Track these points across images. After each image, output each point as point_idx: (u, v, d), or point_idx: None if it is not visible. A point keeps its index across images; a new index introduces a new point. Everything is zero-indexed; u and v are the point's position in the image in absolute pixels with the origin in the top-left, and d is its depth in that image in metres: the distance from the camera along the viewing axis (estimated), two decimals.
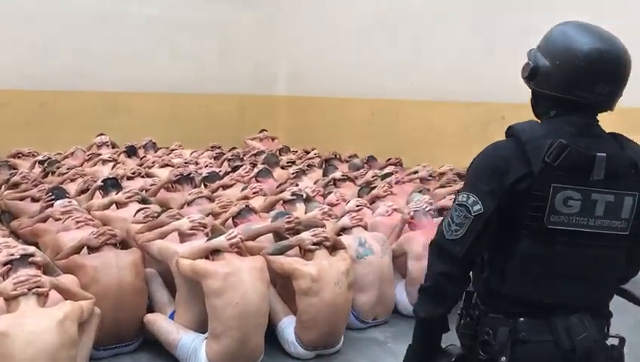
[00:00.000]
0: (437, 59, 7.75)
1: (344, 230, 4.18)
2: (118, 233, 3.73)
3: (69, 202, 4.43)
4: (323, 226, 4.26)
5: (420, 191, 5.70)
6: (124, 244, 3.81)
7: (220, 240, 3.39)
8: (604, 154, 1.52)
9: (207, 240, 3.51)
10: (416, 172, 6.85)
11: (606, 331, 1.67)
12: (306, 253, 3.64)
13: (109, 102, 9.45)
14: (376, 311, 4.05)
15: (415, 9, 8.09)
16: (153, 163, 7.22)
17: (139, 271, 3.64)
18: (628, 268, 1.72)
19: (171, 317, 3.64)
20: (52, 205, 4.51)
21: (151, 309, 3.80)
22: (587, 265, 1.59)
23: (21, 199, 5.34)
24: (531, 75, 1.65)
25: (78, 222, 3.98)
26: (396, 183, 6.09)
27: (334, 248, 3.74)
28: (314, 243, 3.60)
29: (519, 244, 1.56)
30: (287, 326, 3.61)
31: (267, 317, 3.43)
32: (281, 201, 5.08)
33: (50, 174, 6.49)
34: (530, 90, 1.73)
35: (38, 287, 2.84)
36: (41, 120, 8.85)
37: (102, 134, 8.38)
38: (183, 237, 3.80)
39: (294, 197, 4.98)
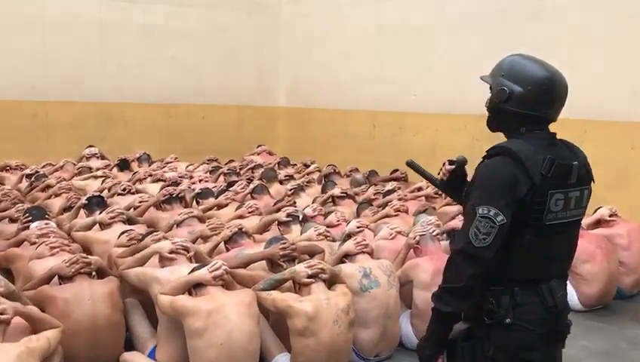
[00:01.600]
0: (443, 70, 7.44)
1: (347, 256, 3.80)
2: (93, 261, 3.40)
3: (47, 224, 4.09)
4: (322, 252, 3.93)
5: (425, 211, 5.37)
6: (100, 273, 3.48)
7: (202, 273, 3.05)
8: (577, 163, 2.01)
9: (191, 271, 3.16)
10: (420, 188, 6.52)
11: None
12: (300, 287, 3.27)
13: (104, 113, 9.19)
14: (379, 348, 3.67)
15: (419, 19, 7.79)
16: (145, 177, 6.89)
17: (115, 303, 3.31)
18: None
19: (152, 353, 3.30)
20: (29, 227, 4.18)
21: (131, 344, 3.47)
22: (563, 246, 2.07)
23: None
24: (507, 99, 2.03)
25: (52, 247, 3.63)
26: (399, 200, 5.73)
27: (332, 281, 3.39)
28: (309, 276, 3.23)
29: (523, 240, 1.95)
30: None
31: (257, 358, 3.08)
32: (277, 222, 4.74)
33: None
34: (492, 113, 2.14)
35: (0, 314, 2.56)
36: (33, 131, 8.59)
37: (91, 146, 8.12)
38: (164, 261, 3.48)
39: (290, 218, 4.63)
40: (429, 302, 3.82)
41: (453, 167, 2.33)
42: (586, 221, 4.89)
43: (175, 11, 9.60)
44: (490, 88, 2.11)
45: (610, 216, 5.09)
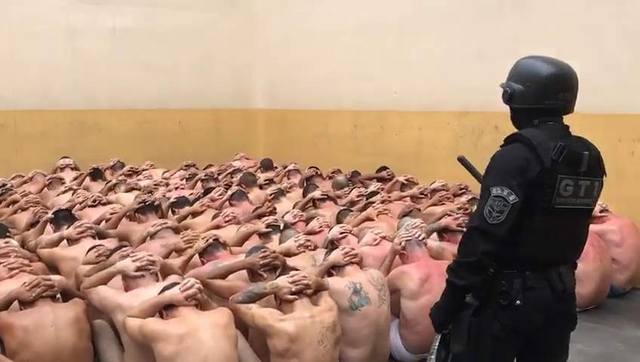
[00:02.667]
0: (424, 67, 7.23)
1: (334, 267, 3.54)
2: (56, 282, 3.13)
3: (7, 242, 3.81)
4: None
5: (409, 212, 5.18)
6: (65, 294, 3.22)
7: (173, 293, 2.81)
8: (587, 152, 2.16)
9: (161, 291, 2.91)
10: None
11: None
12: (282, 303, 3.02)
13: (76, 121, 8.85)
14: None
15: (400, 15, 7.58)
16: (117, 182, 6.62)
17: (82, 329, 3.05)
18: None
19: None
20: None
21: None
22: (571, 232, 2.22)
23: None
24: (510, 98, 2.26)
25: (10, 269, 3.36)
26: (382, 203, 5.51)
27: (317, 290, 3.14)
28: (292, 293, 2.98)
29: (533, 220, 2.11)
30: None
31: None
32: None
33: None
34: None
35: None
36: (1, 143, 8.22)
37: (65, 157, 7.85)
38: (128, 281, 3.23)
39: (270, 229, 4.38)
40: (418, 312, 3.67)
41: None
42: None
43: (145, 13, 9.26)
44: None
45: (602, 211, 4.94)
